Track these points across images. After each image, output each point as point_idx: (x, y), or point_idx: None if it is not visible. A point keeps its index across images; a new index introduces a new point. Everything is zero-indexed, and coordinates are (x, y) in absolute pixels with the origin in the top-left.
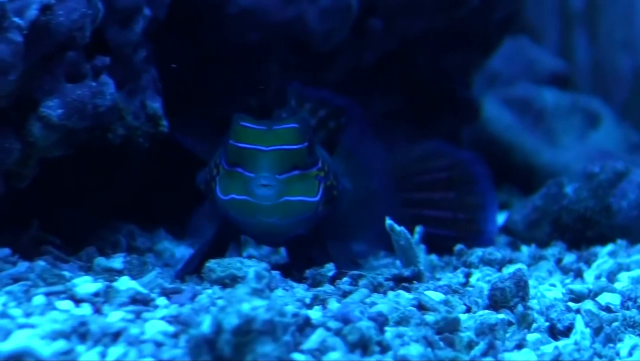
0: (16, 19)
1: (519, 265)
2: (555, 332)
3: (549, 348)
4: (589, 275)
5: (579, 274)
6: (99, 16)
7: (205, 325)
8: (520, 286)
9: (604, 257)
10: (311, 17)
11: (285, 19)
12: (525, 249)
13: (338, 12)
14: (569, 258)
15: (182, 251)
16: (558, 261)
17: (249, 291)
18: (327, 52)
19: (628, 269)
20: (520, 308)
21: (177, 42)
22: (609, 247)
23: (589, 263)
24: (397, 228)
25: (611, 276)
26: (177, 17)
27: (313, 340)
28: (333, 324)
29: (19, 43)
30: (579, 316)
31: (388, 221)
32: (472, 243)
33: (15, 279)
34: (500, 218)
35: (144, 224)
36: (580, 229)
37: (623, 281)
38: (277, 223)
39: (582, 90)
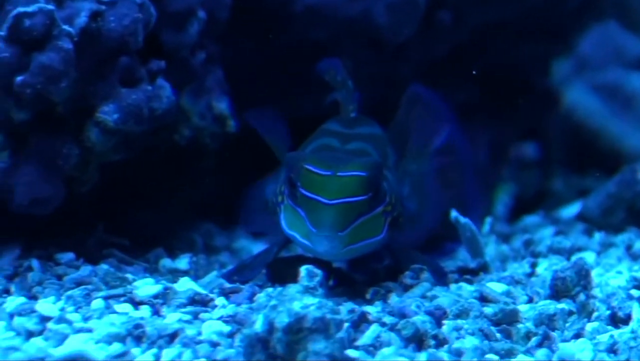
0: (66, 27)
1: (588, 253)
2: (617, 320)
3: (605, 336)
4: None
5: None
6: (151, 21)
7: (258, 324)
8: (582, 275)
9: None
10: (378, 12)
11: (351, 15)
12: (597, 236)
13: (405, 6)
14: None
15: (259, 249)
16: (628, 248)
17: (300, 289)
18: (398, 46)
19: None
20: (582, 297)
21: (244, 43)
22: None
23: None
24: (462, 219)
25: None
26: (242, 18)
27: (368, 336)
28: (388, 319)
29: (70, 50)
30: (636, 304)
31: (453, 213)
32: None
33: (78, 283)
34: (576, 206)
35: (224, 223)
36: None
37: None
38: (340, 260)
39: None
